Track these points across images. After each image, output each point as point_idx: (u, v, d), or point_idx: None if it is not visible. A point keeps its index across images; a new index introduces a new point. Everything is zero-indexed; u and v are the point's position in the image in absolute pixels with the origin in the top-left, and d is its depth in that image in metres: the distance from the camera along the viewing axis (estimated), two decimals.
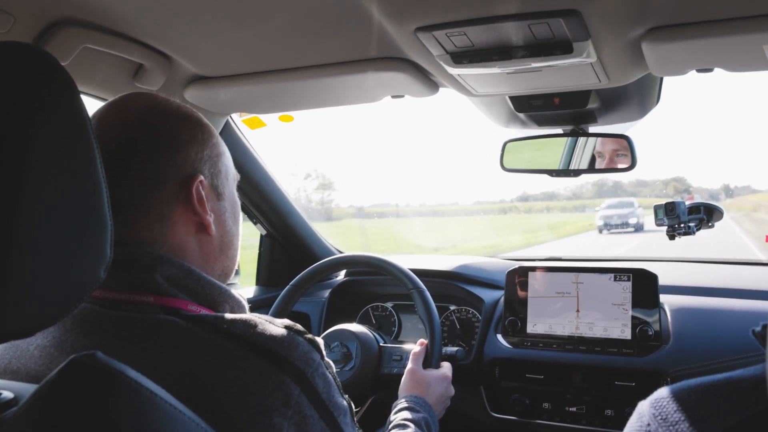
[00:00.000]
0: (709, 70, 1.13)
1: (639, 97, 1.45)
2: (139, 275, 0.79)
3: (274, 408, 0.72)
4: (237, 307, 0.87)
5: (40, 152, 0.60)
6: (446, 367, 1.49)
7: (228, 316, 0.79)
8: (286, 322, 0.81)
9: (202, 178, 0.86)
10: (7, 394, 0.62)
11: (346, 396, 0.86)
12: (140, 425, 0.57)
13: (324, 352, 0.82)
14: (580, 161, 1.71)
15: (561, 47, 1.03)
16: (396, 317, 2.01)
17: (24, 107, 0.60)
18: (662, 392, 0.65)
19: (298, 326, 0.81)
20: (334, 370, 0.85)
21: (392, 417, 1.25)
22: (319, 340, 0.83)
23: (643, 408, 0.66)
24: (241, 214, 0.98)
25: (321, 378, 0.79)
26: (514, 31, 1.00)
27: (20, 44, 0.63)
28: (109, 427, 0.56)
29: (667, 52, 1.05)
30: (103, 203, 0.66)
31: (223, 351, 0.74)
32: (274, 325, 0.80)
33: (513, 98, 1.44)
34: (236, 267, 0.97)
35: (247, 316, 0.80)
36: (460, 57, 1.09)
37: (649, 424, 0.63)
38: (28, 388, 0.62)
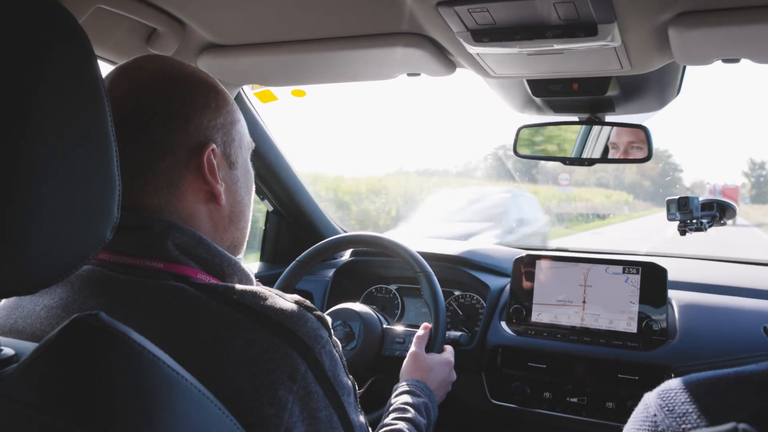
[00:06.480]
0: (736, 60, 1.10)
1: (659, 86, 1.42)
2: (151, 241, 0.78)
3: (280, 381, 0.71)
4: (245, 280, 0.86)
5: (51, 105, 0.58)
6: (449, 352, 1.48)
7: (238, 286, 0.78)
8: (296, 297, 0.81)
9: (214, 146, 0.84)
10: (8, 351, 0.62)
11: (351, 376, 0.85)
12: (138, 387, 0.56)
13: (332, 331, 0.82)
14: (593, 150, 1.69)
15: (586, 29, 1.00)
16: (399, 300, 1.99)
17: (36, 61, 0.58)
18: (670, 384, 0.64)
19: (308, 302, 0.81)
20: (341, 349, 0.85)
21: (392, 400, 1.24)
22: (328, 318, 0.82)
23: (650, 399, 0.64)
24: (254, 185, 0.96)
25: (328, 355, 0.78)
26: (538, 9, 0.97)
27: None
28: (107, 387, 0.55)
29: (694, 39, 1.03)
30: (113, 163, 0.64)
31: (231, 321, 0.73)
32: (285, 300, 0.79)
33: (531, 82, 1.42)
34: (246, 240, 0.96)
35: (258, 288, 0.79)
36: (481, 35, 1.07)
37: (655, 415, 0.61)
38: (29, 346, 0.62)
